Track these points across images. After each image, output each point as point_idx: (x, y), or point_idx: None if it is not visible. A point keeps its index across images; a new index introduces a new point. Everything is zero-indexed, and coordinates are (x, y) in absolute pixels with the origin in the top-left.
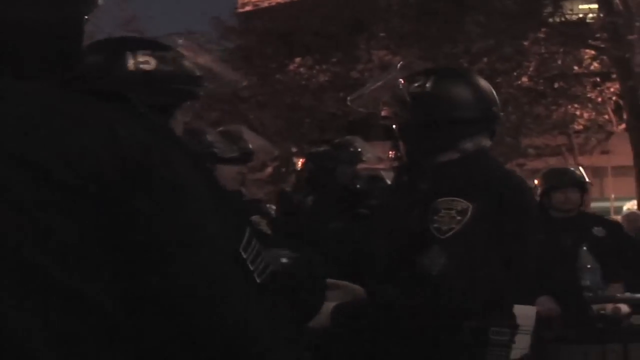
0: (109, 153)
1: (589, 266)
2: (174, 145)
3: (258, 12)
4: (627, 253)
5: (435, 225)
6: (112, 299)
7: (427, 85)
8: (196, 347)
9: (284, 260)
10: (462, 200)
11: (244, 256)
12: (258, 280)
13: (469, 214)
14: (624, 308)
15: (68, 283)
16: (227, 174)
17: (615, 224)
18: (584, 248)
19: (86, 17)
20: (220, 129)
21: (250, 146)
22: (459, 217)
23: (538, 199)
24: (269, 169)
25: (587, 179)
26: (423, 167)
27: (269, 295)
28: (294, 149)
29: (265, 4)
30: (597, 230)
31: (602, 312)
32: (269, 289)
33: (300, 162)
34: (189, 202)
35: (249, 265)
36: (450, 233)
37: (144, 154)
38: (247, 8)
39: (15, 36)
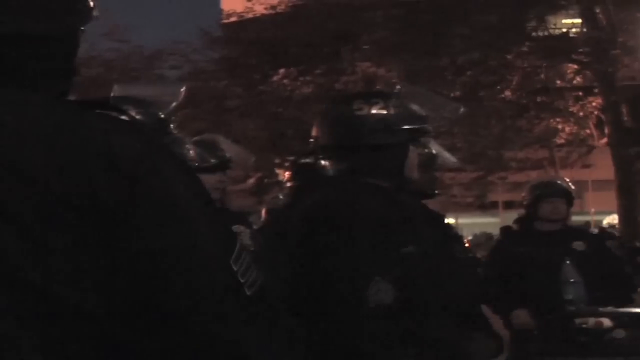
0: (103, 164)
1: (572, 280)
2: (166, 156)
3: (243, 23)
4: (609, 267)
5: None
6: (105, 310)
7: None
8: (185, 356)
9: None
10: None
11: (235, 268)
12: (248, 293)
13: None
14: (606, 322)
15: (60, 293)
16: (207, 183)
17: (598, 237)
18: (568, 262)
19: (82, 28)
20: (195, 138)
21: (227, 154)
22: None
23: (525, 210)
24: (252, 180)
25: (572, 191)
26: None
27: (259, 307)
28: (277, 160)
29: (251, 15)
30: (577, 244)
31: (585, 325)
32: (258, 301)
33: (283, 174)
34: (182, 213)
35: (240, 277)
36: None
37: (137, 165)
38: (233, 19)
39: (12, 48)
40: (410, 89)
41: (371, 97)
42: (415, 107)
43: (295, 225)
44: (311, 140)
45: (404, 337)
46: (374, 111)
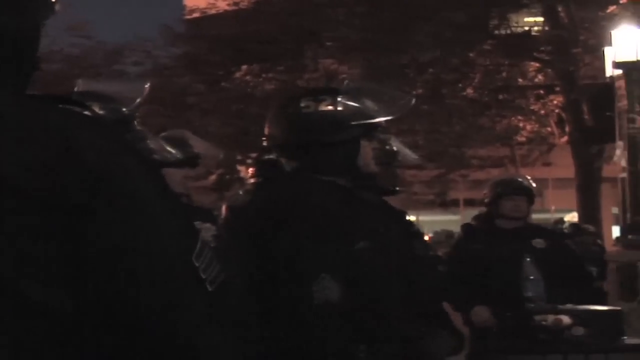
0: (67, 160)
1: (532, 277)
2: (129, 152)
3: (206, 19)
4: (569, 264)
5: None
6: (72, 306)
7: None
8: (148, 352)
9: None
10: None
11: (197, 264)
12: (210, 289)
13: None
14: (565, 319)
15: (28, 290)
16: (173, 178)
17: (558, 235)
18: (528, 259)
19: (44, 23)
20: (164, 133)
21: (196, 150)
22: None
23: (486, 208)
24: (213, 177)
25: (534, 188)
26: None
27: (220, 304)
28: (239, 157)
29: (213, 11)
30: (537, 242)
31: (544, 323)
32: (220, 298)
33: (245, 170)
34: (144, 209)
35: (201, 273)
36: None
37: (101, 161)
38: (195, 15)
39: None
40: (360, 85)
41: (319, 95)
42: (364, 102)
43: (249, 222)
44: (264, 139)
45: (356, 334)
46: (321, 108)
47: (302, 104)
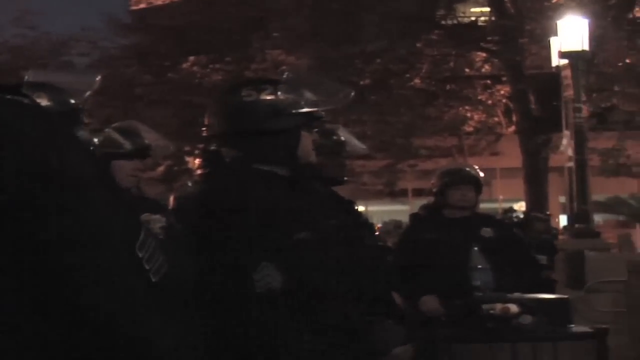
0: (11, 150)
1: (479, 266)
2: (73, 143)
3: (152, 10)
4: (517, 253)
5: None
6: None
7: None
8: (94, 342)
9: None
10: None
11: (140, 255)
12: (153, 280)
13: None
14: (513, 308)
15: None
16: (123, 170)
17: (506, 224)
18: (475, 248)
19: None
20: (115, 124)
21: (147, 141)
22: None
23: (434, 197)
24: (162, 168)
25: (481, 178)
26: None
27: (163, 294)
28: (186, 148)
29: (160, 2)
30: (485, 231)
31: (492, 311)
32: (163, 288)
33: (193, 161)
34: (89, 200)
35: (145, 264)
36: None
37: (44, 151)
38: (141, 5)
39: None
40: (301, 75)
41: (260, 84)
42: (305, 92)
43: (192, 213)
44: (203, 128)
45: (299, 323)
46: (262, 97)
47: (243, 93)
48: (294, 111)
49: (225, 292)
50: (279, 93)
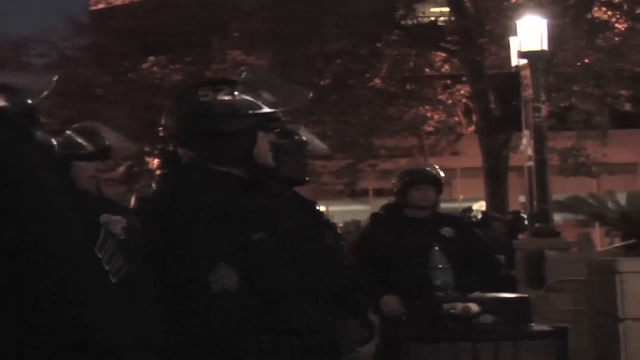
0: None
1: (440, 266)
2: (31, 145)
3: (111, 10)
4: (477, 253)
5: None
6: None
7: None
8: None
9: None
10: None
11: (99, 256)
12: (113, 280)
13: None
14: (474, 307)
15: None
16: (84, 171)
17: (466, 224)
18: (436, 248)
19: None
20: (76, 125)
21: (107, 142)
22: None
23: (394, 197)
24: (122, 169)
25: (442, 178)
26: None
27: (124, 294)
28: (146, 149)
29: (119, 2)
30: (446, 231)
31: (452, 311)
32: (124, 288)
33: (152, 162)
34: (48, 202)
35: (104, 265)
36: None
37: (2, 153)
38: (101, 5)
39: None
40: (259, 76)
41: (217, 84)
42: (262, 93)
43: (150, 214)
44: (160, 128)
45: (256, 323)
46: (218, 98)
47: (200, 93)
48: (250, 112)
49: (182, 293)
50: (235, 94)
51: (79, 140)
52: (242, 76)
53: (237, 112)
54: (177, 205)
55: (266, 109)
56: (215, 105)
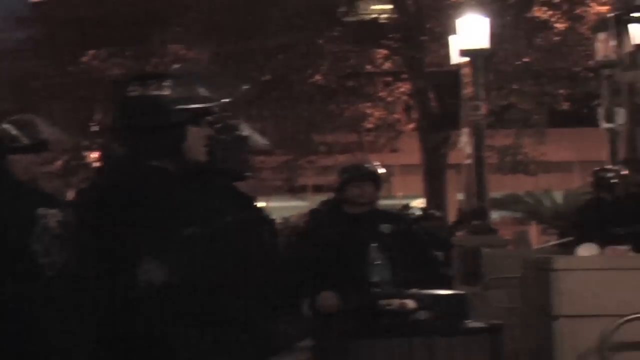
0: None
1: (378, 262)
2: None
3: (51, 2)
4: (414, 250)
5: None
6: None
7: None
8: None
9: None
10: None
11: (35, 249)
12: (49, 274)
13: None
14: (410, 303)
15: None
16: (19, 164)
17: (405, 220)
18: (374, 244)
19: None
20: (12, 118)
21: (44, 135)
22: None
23: (334, 193)
24: (59, 162)
25: (381, 174)
26: None
27: (59, 288)
28: (85, 142)
29: None
30: (384, 227)
31: (389, 307)
32: (60, 282)
33: (91, 155)
34: None
35: (40, 258)
36: None
37: None
38: None
39: None
40: (191, 70)
41: (147, 79)
42: (194, 87)
43: (83, 208)
44: (93, 124)
45: (185, 317)
46: (147, 93)
47: (129, 88)
48: (179, 106)
49: (111, 286)
50: (165, 88)
51: (14, 132)
52: (175, 69)
53: (164, 106)
54: (106, 200)
55: (197, 104)
56: (142, 101)
